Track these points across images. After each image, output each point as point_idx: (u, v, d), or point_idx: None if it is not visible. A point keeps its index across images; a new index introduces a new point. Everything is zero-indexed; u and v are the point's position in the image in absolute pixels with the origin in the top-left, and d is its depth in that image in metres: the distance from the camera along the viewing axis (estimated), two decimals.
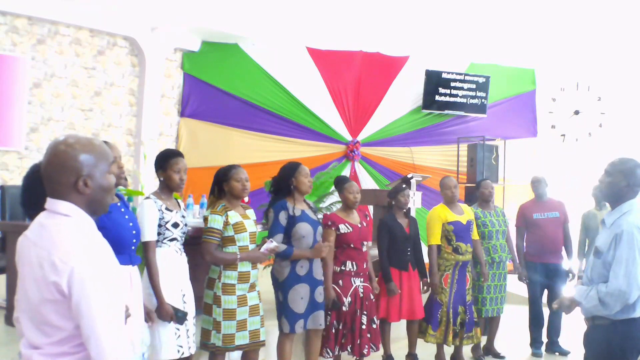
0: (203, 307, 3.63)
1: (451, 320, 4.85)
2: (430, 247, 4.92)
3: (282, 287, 3.93)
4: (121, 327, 1.69)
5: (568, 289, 5.36)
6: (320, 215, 4.29)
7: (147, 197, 3.38)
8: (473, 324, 4.98)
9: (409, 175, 6.45)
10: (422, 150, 9.69)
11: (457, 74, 9.65)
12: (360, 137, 9.53)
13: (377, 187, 9.10)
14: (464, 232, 4.92)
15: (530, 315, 5.58)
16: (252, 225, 3.72)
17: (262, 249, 3.66)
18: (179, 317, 3.28)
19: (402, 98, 9.60)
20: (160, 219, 3.32)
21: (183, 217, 3.47)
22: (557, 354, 5.50)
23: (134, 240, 3.02)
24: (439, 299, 4.87)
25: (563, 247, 5.55)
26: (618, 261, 2.78)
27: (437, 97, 9.55)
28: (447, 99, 9.59)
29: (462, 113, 9.73)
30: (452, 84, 9.59)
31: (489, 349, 5.42)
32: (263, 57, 9.15)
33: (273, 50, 9.19)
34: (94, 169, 1.72)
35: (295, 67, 9.22)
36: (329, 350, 4.23)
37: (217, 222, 3.58)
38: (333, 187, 5.46)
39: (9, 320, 4.63)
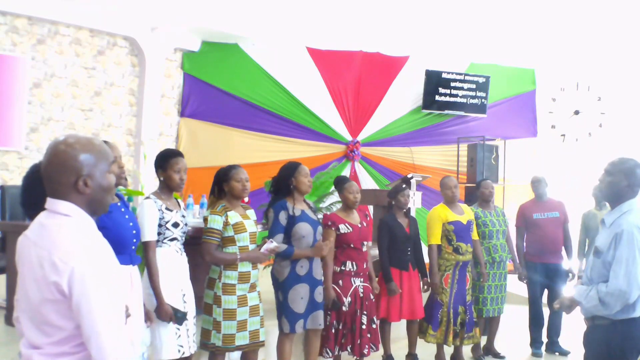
0: (203, 307, 3.63)
1: (451, 320, 4.85)
2: (430, 246, 4.92)
3: (282, 287, 3.93)
4: (122, 327, 1.69)
5: (568, 289, 5.36)
6: (320, 215, 4.30)
7: (147, 197, 3.38)
8: (473, 324, 4.99)
9: (409, 175, 6.45)
10: (422, 150, 9.69)
11: (457, 74, 9.65)
12: (360, 137, 9.53)
13: (377, 187, 9.10)
14: (465, 232, 4.92)
15: (530, 315, 5.58)
16: (253, 226, 3.72)
17: (262, 249, 3.66)
18: (178, 317, 3.28)
19: (402, 98, 9.60)
20: (160, 218, 3.32)
21: (183, 216, 3.47)
22: (557, 354, 5.50)
23: (134, 240, 3.02)
24: (439, 299, 4.87)
25: (563, 247, 5.55)
26: (618, 261, 2.78)
27: (437, 97, 9.55)
28: (447, 99, 9.59)
29: (462, 113, 9.73)
30: (452, 84, 9.59)
31: (489, 349, 5.42)
32: (263, 57, 9.15)
33: (273, 50, 9.19)
34: (94, 169, 1.72)
35: (295, 67, 9.22)
36: (328, 350, 4.23)
37: (216, 222, 3.58)
38: (333, 187, 5.46)
39: (9, 320, 4.63)
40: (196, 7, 8.11)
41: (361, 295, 4.28)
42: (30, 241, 1.69)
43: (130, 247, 2.98)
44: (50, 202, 1.71)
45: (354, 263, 4.27)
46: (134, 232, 3.02)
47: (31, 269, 1.66)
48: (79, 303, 1.60)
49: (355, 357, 4.36)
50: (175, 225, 3.38)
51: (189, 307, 3.41)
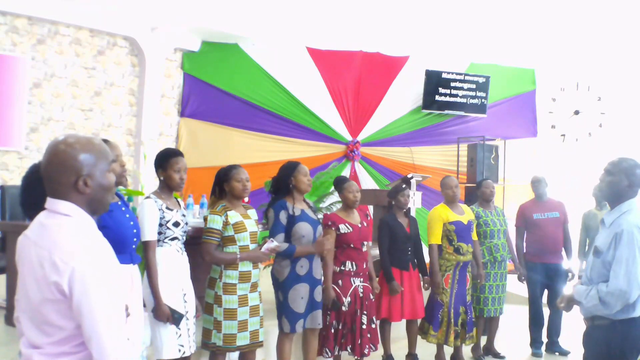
0: (204, 307, 3.63)
1: (452, 320, 4.84)
2: (431, 246, 4.91)
3: (282, 287, 3.93)
4: (122, 327, 1.68)
5: (568, 289, 5.36)
6: (320, 215, 4.30)
7: (148, 197, 3.38)
8: (473, 324, 4.99)
9: (409, 175, 6.45)
10: (422, 150, 9.69)
11: (457, 74, 9.65)
12: (360, 137, 9.53)
13: (377, 187, 9.10)
14: (465, 232, 4.92)
15: (530, 315, 5.58)
16: (253, 225, 3.72)
17: (263, 249, 3.66)
18: (175, 318, 3.27)
19: (402, 98, 9.61)
20: (160, 218, 3.32)
21: (183, 215, 3.47)
22: (557, 354, 5.50)
23: (135, 240, 3.03)
24: (440, 299, 4.87)
25: (563, 247, 5.55)
26: (618, 261, 2.78)
27: (437, 97, 9.56)
28: (447, 99, 9.59)
29: (462, 113, 9.73)
30: (452, 84, 9.60)
31: (489, 349, 5.42)
32: (263, 57, 9.15)
33: (273, 50, 9.19)
34: (94, 168, 1.72)
35: (295, 67, 9.22)
36: (328, 350, 4.23)
37: (216, 222, 3.59)
38: (333, 187, 5.46)
39: (9, 320, 4.64)
40: (196, 7, 8.11)
41: (361, 295, 4.28)
42: (31, 241, 1.69)
43: (130, 247, 2.98)
44: (50, 202, 1.71)
45: (353, 263, 4.26)
46: (135, 231, 3.02)
47: (31, 268, 1.66)
48: (80, 303, 1.60)
49: (355, 357, 4.36)
50: (176, 224, 3.38)
51: (190, 306, 3.41)
